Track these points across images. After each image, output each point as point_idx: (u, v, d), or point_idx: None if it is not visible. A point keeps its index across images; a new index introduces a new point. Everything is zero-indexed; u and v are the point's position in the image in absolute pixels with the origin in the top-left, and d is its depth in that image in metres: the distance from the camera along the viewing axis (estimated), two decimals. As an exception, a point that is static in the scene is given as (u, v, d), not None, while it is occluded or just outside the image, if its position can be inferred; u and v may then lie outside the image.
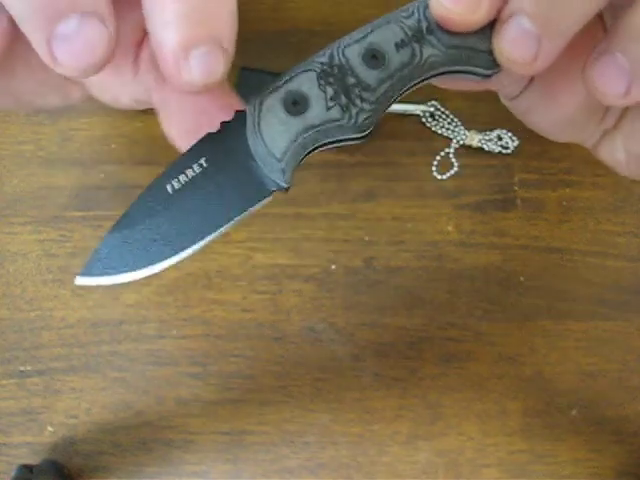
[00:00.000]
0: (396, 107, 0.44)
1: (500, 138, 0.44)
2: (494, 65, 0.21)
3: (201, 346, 0.40)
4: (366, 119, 0.20)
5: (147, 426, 0.39)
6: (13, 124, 0.45)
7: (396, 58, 0.20)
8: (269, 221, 0.43)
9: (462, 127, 0.45)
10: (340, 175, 0.44)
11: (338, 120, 0.20)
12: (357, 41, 0.20)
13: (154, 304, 0.41)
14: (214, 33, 0.18)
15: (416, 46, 0.20)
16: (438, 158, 0.44)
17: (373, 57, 0.20)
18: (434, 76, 0.21)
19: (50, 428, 0.39)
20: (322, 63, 0.20)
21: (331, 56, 0.20)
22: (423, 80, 0.21)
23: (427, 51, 0.20)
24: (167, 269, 0.20)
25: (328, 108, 0.20)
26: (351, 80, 0.20)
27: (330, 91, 0.20)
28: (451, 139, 0.45)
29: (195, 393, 0.40)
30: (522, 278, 0.42)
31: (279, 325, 0.41)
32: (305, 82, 0.20)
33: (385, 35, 0.20)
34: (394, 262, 0.42)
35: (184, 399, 0.39)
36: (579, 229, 0.43)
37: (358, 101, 0.20)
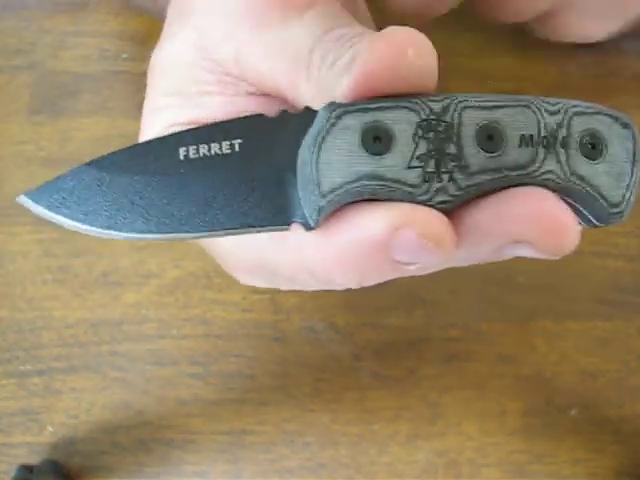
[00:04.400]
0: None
1: (500, 138, 0.44)
2: (608, 219, 0.18)
3: (201, 346, 0.40)
4: (442, 203, 0.16)
5: (147, 426, 0.39)
6: (13, 124, 0.45)
7: (514, 153, 0.16)
8: (269, 221, 0.43)
9: (462, 127, 0.45)
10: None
11: (412, 187, 0.16)
12: (482, 108, 0.16)
13: (154, 304, 0.41)
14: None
15: (541, 152, 0.16)
16: (438, 158, 0.44)
17: (490, 138, 0.16)
18: None
19: (50, 428, 0.39)
20: (431, 110, 0.16)
21: (445, 109, 0.16)
22: None
23: (548, 165, 0.17)
24: (134, 240, 0.17)
25: (410, 167, 0.16)
26: (451, 149, 0.16)
27: (422, 148, 0.16)
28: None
29: (195, 393, 0.40)
30: (522, 278, 0.42)
31: (279, 325, 0.41)
32: (401, 121, 0.16)
33: (515, 119, 0.16)
34: (394, 262, 0.42)
35: (184, 399, 0.39)
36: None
37: (446, 178, 0.16)
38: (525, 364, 0.40)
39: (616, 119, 0.17)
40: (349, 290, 0.41)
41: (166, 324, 0.41)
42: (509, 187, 0.17)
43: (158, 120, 0.19)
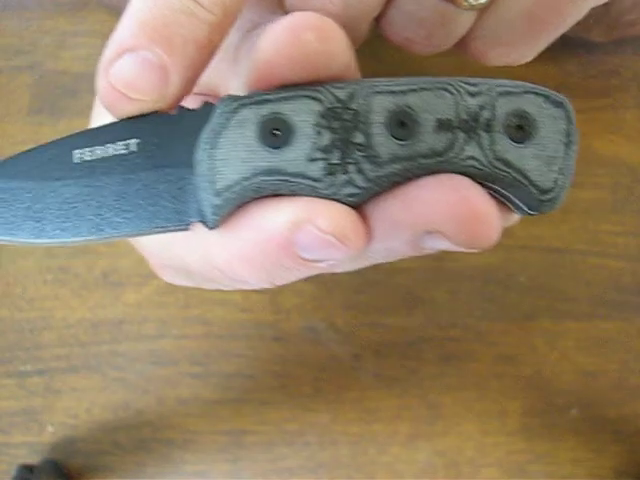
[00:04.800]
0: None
1: (500, 138, 0.44)
2: (540, 206, 0.16)
3: (201, 346, 0.40)
4: (350, 196, 0.15)
5: (147, 426, 0.39)
6: (13, 124, 0.45)
7: (429, 139, 0.15)
8: (269, 221, 0.43)
9: (462, 127, 0.45)
10: (340, 175, 0.44)
11: (314, 180, 0.15)
12: (393, 93, 0.15)
13: (154, 304, 0.41)
14: (162, 47, 0.15)
15: (461, 137, 0.15)
16: (438, 158, 0.44)
17: (401, 124, 0.15)
18: None
19: (50, 428, 0.39)
20: (336, 98, 0.15)
21: (351, 95, 0.15)
22: None
23: (469, 150, 0.15)
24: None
25: (311, 159, 0.15)
26: (359, 138, 0.15)
27: (326, 139, 0.15)
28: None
29: (195, 393, 0.40)
30: (522, 278, 0.42)
31: (279, 325, 0.41)
32: (301, 112, 0.15)
33: (431, 103, 0.15)
34: (394, 262, 0.42)
35: (184, 399, 0.39)
36: (579, 229, 0.43)
37: (353, 169, 0.15)
38: (525, 364, 0.40)
39: (547, 97, 0.16)
40: (349, 290, 0.42)
41: (166, 324, 0.41)
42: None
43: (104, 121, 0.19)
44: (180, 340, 0.40)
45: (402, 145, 0.15)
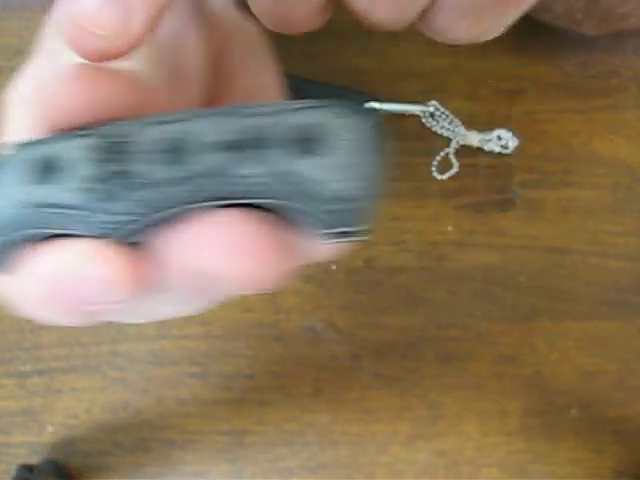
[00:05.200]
0: (396, 107, 0.44)
1: (500, 138, 0.44)
2: (332, 218, 0.15)
3: (201, 346, 0.40)
4: (128, 227, 0.15)
5: (147, 426, 0.39)
6: (13, 124, 0.45)
7: (205, 160, 0.14)
8: (269, 221, 0.43)
9: (462, 127, 0.45)
10: (340, 175, 0.44)
11: (79, 211, 0.14)
12: (165, 123, 0.15)
13: (154, 304, 0.41)
14: None
15: (239, 156, 0.14)
16: (438, 158, 0.44)
17: (174, 150, 0.14)
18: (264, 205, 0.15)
19: (50, 428, 0.39)
20: (106, 134, 0.15)
21: (121, 129, 0.15)
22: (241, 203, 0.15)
23: (248, 168, 0.14)
24: None
25: (81, 189, 0.14)
26: (132, 167, 0.14)
27: (97, 171, 0.14)
28: (451, 139, 0.45)
29: (195, 393, 0.40)
30: (522, 278, 0.42)
31: (279, 325, 0.41)
32: (73, 149, 0.15)
33: (206, 128, 0.15)
34: (394, 262, 0.42)
35: (184, 399, 0.39)
36: (579, 229, 0.43)
37: (124, 196, 0.14)
38: (525, 364, 0.40)
39: (343, 109, 0.15)
40: (349, 290, 0.42)
41: (166, 324, 0.41)
42: (209, 205, 0.15)
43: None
44: (180, 340, 0.40)
45: (174, 169, 0.14)
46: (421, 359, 0.40)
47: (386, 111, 0.43)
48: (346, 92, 0.43)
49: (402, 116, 0.45)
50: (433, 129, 0.45)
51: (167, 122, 0.15)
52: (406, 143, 0.45)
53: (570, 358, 0.40)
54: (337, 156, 0.14)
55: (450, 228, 0.43)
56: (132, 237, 0.15)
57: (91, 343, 0.40)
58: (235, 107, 0.15)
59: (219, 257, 0.14)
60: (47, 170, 0.14)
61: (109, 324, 0.40)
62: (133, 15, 0.15)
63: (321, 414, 0.39)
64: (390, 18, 0.18)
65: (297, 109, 0.15)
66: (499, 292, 0.41)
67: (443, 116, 0.45)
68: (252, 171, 0.14)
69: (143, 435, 0.39)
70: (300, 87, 0.42)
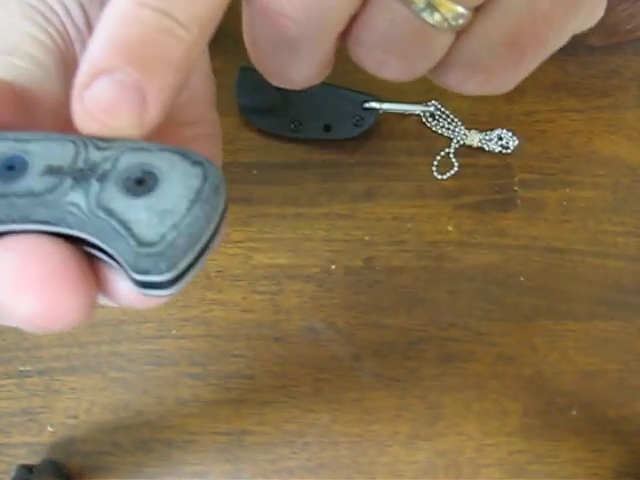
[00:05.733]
0: (396, 107, 0.44)
1: (500, 138, 0.44)
2: (138, 261, 0.14)
3: (201, 346, 0.40)
4: None
5: (147, 426, 0.39)
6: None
7: (31, 181, 0.14)
8: (269, 221, 0.43)
9: (462, 127, 0.45)
10: (340, 175, 0.44)
11: None
12: (15, 140, 0.15)
13: (154, 304, 0.41)
14: (139, 68, 0.14)
15: (68, 182, 0.14)
16: (438, 158, 0.44)
17: (9, 167, 0.14)
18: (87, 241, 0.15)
19: (50, 428, 0.39)
20: None
21: None
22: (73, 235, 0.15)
23: (73, 196, 0.14)
24: None
25: None
26: None
27: None
28: (451, 139, 0.45)
29: (195, 393, 0.40)
30: (522, 278, 0.42)
31: (279, 325, 0.41)
32: None
33: (48, 151, 0.15)
34: (394, 262, 0.42)
35: (184, 399, 0.39)
36: (579, 229, 0.43)
37: None
38: (525, 364, 0.40)
39: (184, 156, 0.15)
40: (349, 290, 0.42)
41: (166, 324, 0.41)
42: (22, 228, 0.14)
43: None
44: (180, 340, 0.40)
45: (2, 184, 0.14)
46: (421, 359, 0.40)
47: (386, 111, 0.44)
48: (347, 92, 0.43)
49: (402, 116, 0.45)
50: (433, 129, 0.45)
51: (17, 140, 0.15)
52: (406, 143, 0.45)
53: (570, 358, 0.40)
54: (160, 202, 0.14)
55: (450, 228, 0.43)
56: None
57: (91, 343, 0.40)
58: (83, 137, 0.15)
59: (6, 285, 0.13)
60: None
61: (108, 324, 0.40)
62: (149, 104, 0.15)
63: (321, 414, 0.39)
64: (399, 76, 0.18)
65: (139, 149, 0.15)
66: (499, 292, 0.41)
67: (443, 116, 0.45)
68: (73, 200, 0.14)
69: (143, 435, 0.39)
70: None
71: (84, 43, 0.19)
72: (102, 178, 0.14)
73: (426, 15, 0.15)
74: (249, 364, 0.40)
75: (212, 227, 0.15)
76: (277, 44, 0.16)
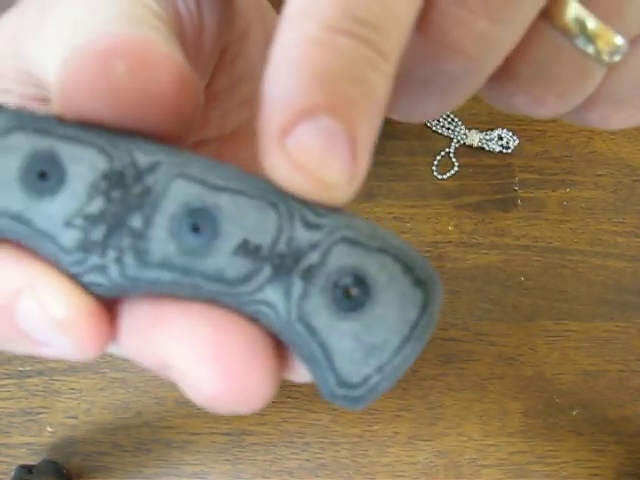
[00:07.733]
0: (396, 107, 0.44)
1: (501, 138, 0.44)
2: (334, 398, 0.12)
3: (201, 346, 0.40)
4: (96, 285, 0.11)
5: (147, 426, 0.39)
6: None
7: (222, 259, 0.11)
8: (269, 221, 0.43)
9: (462, 127, 0.44)
10: (340, 175, 0.44)
11: (62, 250, 0.11)
12: (203, 183, 0.11)
13: (154, 304, 0.41)
14: (347, 110, 0.11)
15: (266, 271, 0.11)
16: (438, 158, 0.44)
17: (195, 227, 0.11)
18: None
19: (49, 428, 0.39)
20: (133, 162, 0.11)
21: (153, 166, 0.11)
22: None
23: (270, 292, 0.11)
24: None
25: (69, 223, 0.11)
26: (136, 222, 0.11)
27: (96, 206, 0.11)
28: (451, 139, 0.45)
29: (195, 393, 0.40)
30: (522, 278, 0.42)
31: (279, 325, 0.41)
32: (82, 162, 0.11)
33: (245, 214, 0.11)
34: (394, 262, 0.42)
35: (184, 399, 0.39)
36: (579, 229, 0.43)
37: (112, 256, 0.11)
38: (525, 365, 0.40)
39: (408, 268, 0.12)
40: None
41: (166, 324, 0.41)
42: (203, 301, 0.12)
43: None
44: (180, 340, 0.40)
45: (184, 253, 0.11)
46: (421, 359, 0.40)
47: (386, 111, 0.43)
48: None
49: (402, 116, 0.45)
50: (434, 129, 0.45)
51: (207, 184, 0.11)
52: (406, 143, 0.45)
53: (571, 358, 0.40)
54: (370, 331, 0.11)
55: (450, 228, 0.43)
56: (97, 290, 0.12)
57: (91, 343, 0.40)
58: (288, 199, 0.11)
59: (194, 368, 0.12)
60: (44, 177, 0.11)
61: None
62: (359, 155, 0.12)
63: (321, 414, 0.39)
64: (550, 113, 0.16)
65: (354, 242, 0.12)
66: (499, 292, 0.41)
67: (444, 116, 0.45)
68: (268, 299, 0.11)
69: (143, 436, 0.39)
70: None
71: (193, 22, 0.16)
72: (307, 276, 0.11)
73: (588, 47, 0.15)
74: (249, 364, 0.40)
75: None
76: (431, 79, 0.14)
